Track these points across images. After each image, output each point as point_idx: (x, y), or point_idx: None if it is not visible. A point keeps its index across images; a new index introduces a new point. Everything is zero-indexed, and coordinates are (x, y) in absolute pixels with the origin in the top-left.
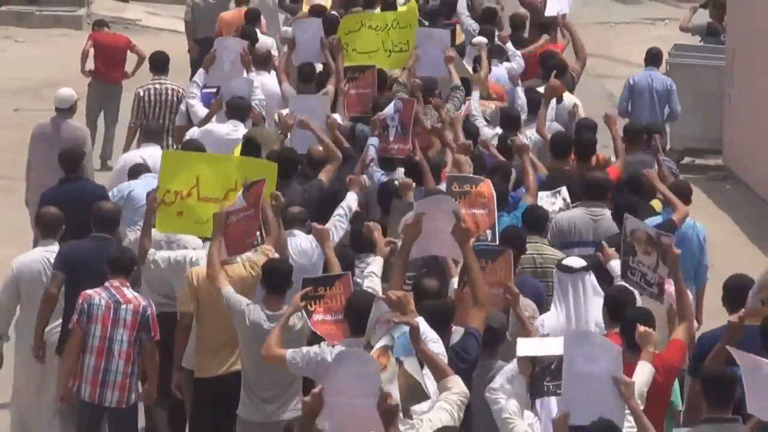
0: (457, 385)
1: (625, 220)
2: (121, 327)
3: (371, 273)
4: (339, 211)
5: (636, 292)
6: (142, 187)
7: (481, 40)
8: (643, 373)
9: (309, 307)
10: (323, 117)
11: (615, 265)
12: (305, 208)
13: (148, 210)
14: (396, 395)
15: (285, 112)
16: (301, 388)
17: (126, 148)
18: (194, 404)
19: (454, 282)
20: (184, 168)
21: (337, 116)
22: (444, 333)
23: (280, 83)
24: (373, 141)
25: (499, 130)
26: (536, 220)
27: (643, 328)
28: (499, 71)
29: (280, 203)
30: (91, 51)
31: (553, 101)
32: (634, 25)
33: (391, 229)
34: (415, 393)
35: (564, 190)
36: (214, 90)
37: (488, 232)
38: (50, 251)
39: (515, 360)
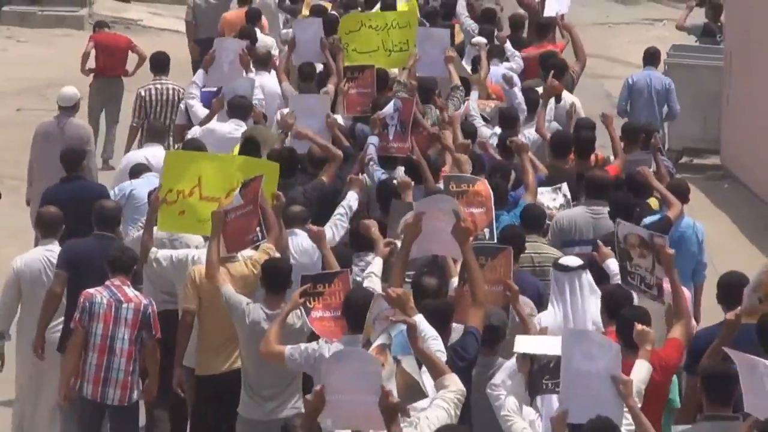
0: (454, 383)
1: (616, 225)
2: (122, 325)
3: (371, 273)
4: (340, 210)
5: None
6: (143, 186)
7: (481, 40)
8: (641, 371)
9: (308, 304)
10: (323, 116)
11: (611, 264)
12: (306, 208)
13: (150, 209)
14: (394, 394)
15: (286, 111)
16: (301, 387)
17: (128, 148)
18: (195, 402)
19: (454, 281)
20: (187, 167)
21: (337, 116)
22: (444, 332)
23: (280, 83)
24: (373, 140)
25: (497, 130)
26: (534, 220)
27: (641, 327)
28: (499, 71)
29: (281, 203)
30: (93, 52)
31: (552, 101)
32: (633, 25)
33: (390, 229)
34: (412, 391)
35: (565, 186)
36: (214, 90)
37: (486, 230)
38: (50, 250)
39: (516, 356)
